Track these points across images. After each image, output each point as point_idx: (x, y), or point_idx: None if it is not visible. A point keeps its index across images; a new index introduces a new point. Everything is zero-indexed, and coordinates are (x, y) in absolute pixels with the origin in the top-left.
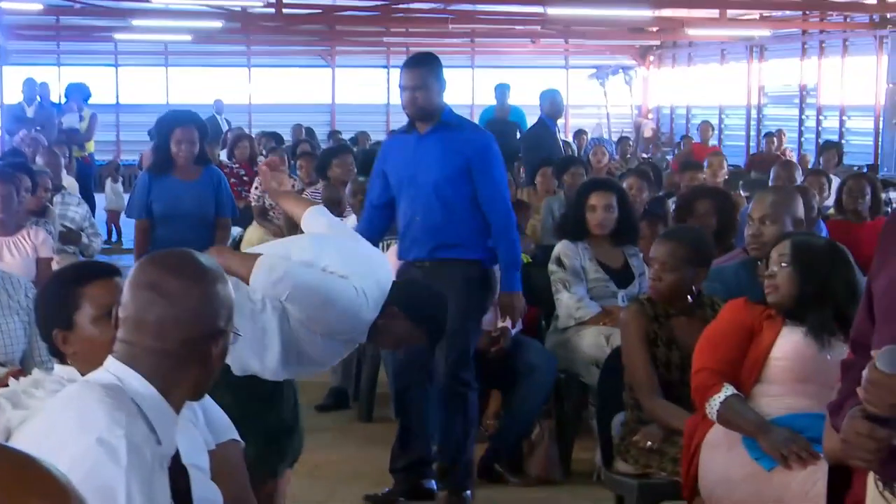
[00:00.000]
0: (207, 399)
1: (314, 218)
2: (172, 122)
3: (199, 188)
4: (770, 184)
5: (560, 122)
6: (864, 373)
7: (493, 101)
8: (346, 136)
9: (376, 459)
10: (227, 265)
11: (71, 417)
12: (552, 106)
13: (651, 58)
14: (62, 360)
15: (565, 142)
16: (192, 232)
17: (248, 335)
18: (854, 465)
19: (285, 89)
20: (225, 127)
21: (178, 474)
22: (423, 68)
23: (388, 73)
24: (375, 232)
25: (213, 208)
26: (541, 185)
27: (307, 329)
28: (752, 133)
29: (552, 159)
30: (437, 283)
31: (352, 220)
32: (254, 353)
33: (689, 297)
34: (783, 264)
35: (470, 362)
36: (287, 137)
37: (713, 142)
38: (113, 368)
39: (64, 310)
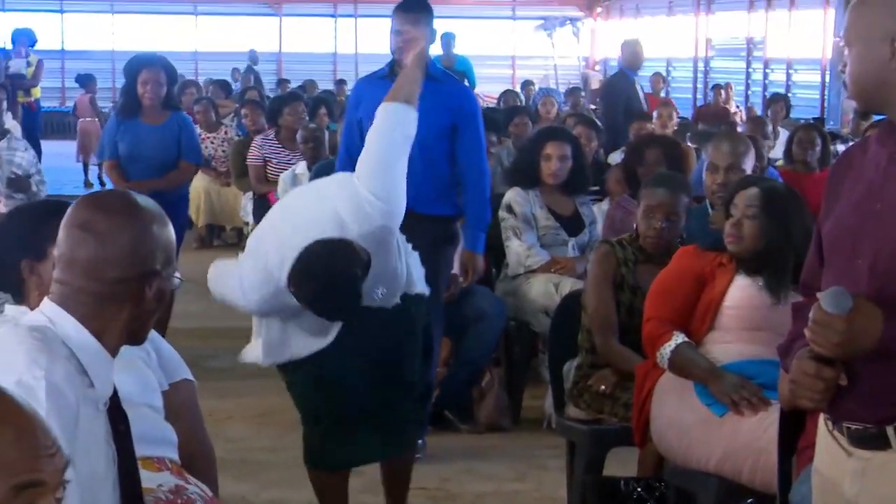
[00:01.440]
0: (159, 339)
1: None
2: (139, 64)
3: (164, 132)
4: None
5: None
6: (810, 314)
7: (438, 52)
8: (293, 84)
9: None
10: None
11: None
12: (633, 56)
13: (598, 9)
14: (18, 299)
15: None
16: (155, 174)
17: None
18: (803, 406)
19: (232, 37)
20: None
21: (117, 416)
22: (418, 13)
23: (336, 22)
24: None
25: (177, 152)
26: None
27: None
28: (700, 86)
29: (632, 110)
30: (409, 238)
31: (301, 166)
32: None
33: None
34: (749, 214)
35: (441, 319)
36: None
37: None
38: (46, 310)
39: (36, 239)
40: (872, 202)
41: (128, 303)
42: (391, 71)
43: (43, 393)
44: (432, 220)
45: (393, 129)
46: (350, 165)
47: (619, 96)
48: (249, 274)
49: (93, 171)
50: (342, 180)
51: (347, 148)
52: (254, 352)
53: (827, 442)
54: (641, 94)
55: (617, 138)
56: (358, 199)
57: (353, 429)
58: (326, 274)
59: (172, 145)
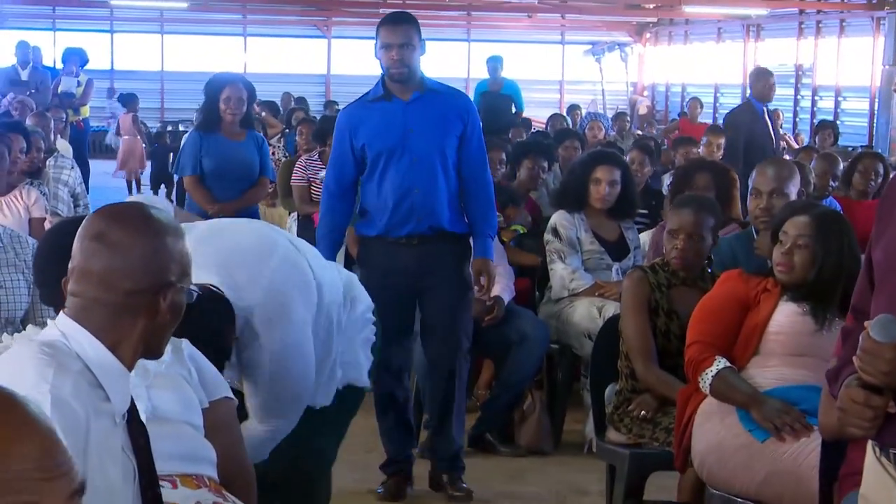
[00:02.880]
0: (201, 358)
1: None
2: (223, 82)
3: (246, 148)
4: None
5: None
6: (860, 342)
7: (486, 76)
8: (341, 106)
9: (365, 425)
10: None
11: (2, 377)
12: (764, 88)
13: (647, 35)
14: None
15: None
16: (238, 189)
17: None
18: (851, 434)
19: (281, 59)
20: None
21: (137, 430)
22: (408, 25)
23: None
24: (344, 220)
25: (258, 168)
26: None
27: None
28: None
29: (755, 143)
30: (427, 260)
31: None
32: None
33: (705, 266)
34: (801, 244)
35: (470, 338)
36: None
37: (708, 119)
38: (61, 324)
39: None
40: None
41: (142, 315)
42: (385, 90)
43: (48, 406)
44: (450, 239)
45: None
46: (340, 198)
47: (742, 127)
48: None
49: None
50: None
51: (337, 180)
52: None
53: (875, 468)
54: (770, 127)
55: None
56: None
57: None
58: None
59: (254, 162)
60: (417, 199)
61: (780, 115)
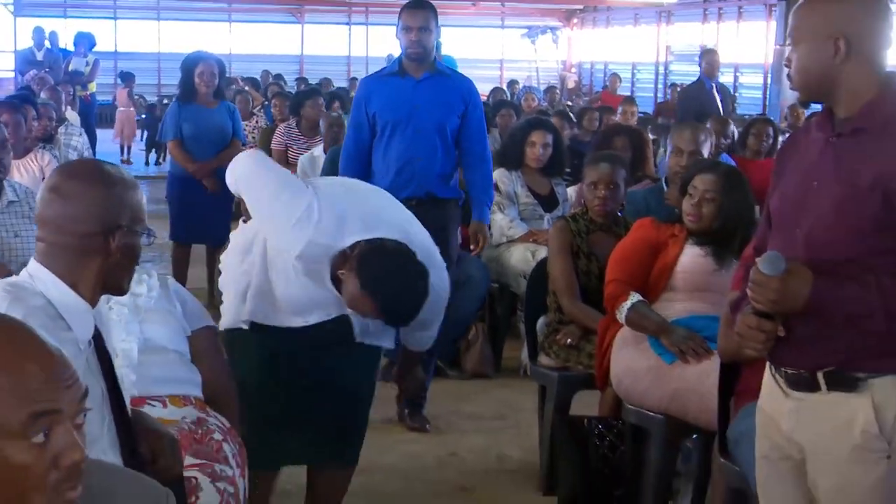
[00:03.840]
0: (184, 292)
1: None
2: (196, 59)
3: (219, 115)
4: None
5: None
6: (750, 274)
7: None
8: (312, 82)
9: None
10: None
11: None
12: (710, 66)
13: (575, 20)
14: None
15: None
16: (214, 150)
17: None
18: (747, 355)
19: (261, 41)
20: None
21: (102, 356)
22: (429, 11)
23: (350, 29)
24: (360, 177)
25: (230, 132)
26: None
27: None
28: (660, 86)
29: (706, 116)
30: (420, 220)
31: (318, 150)
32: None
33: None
34: (709, 197)
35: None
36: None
37: (626, 92)
38: (30, 267)
39: None
40: (810, 179)
41: (97, 255)
42: (400, 67)
43: None
44: (447, 204)
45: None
46: (357, 160)
47: (694, 102)
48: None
49: (136, 151)
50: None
51: (356, 142)
52: (226, 317)
53: (769, 383)
54: (718, 101)
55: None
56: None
57: (279, 429)
58: (408, 277)
59: (227, 126)
60: (418, 167)
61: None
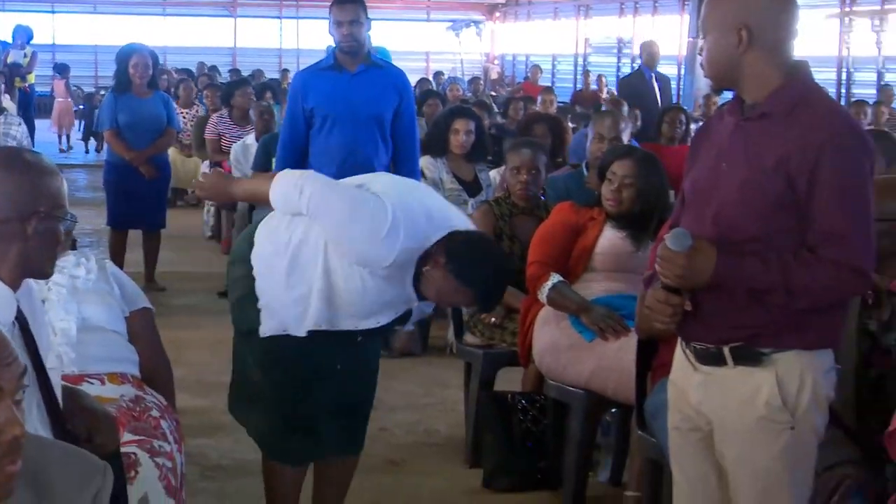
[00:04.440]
0: (121, 275)
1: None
2: (131, 51)
3: (153, 104)
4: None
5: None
6: (658, 250)
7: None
8: (245, 73)
9: None
10: (253, 188)
11: None
12: (650, 57)
13: (497, 14)
14: None
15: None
16: (149, 138)
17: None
18: (656, 329)
19: (194, 35)
20: None
21: (27, 337)
22: (358, 4)
23: (281, 23)
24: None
25: (164, 121)
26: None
27: (339, 255)
28: (580, 77)
29: (646, 106)
30: None
31: (250, 138)
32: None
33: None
34: (627, 183)
35: None
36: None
37: (547, 82)
38: None
39: None
40: (720, 161)
41: (15, 241)
42: (336, 61)
43: None
44: None
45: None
46: (293, 151)
47: (634, 91)
48: (402, 223)
49: (74, 140)
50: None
51: (292, 134)
52: (271, 322)
53: (680, 358)
54: (657, 90)
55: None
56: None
57: (317, 423)
58: (499, 264)
59: (161, 115)
60: (360, 159)
61: (604, 78)
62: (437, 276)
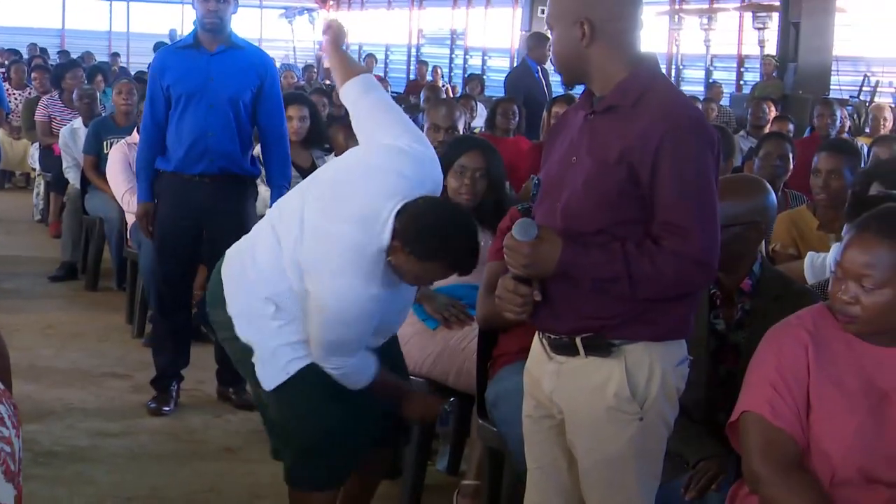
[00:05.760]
0: None
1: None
2: None
3: None
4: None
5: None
6: (504, 240)
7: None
8: (74, 55)
9: (99, 320)
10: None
11: None
12: (539, 51)
13: (331, 2)
14: None
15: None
16: None
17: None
18: (506, 318)
19: (21, 14)
20: None
21: None
22: None
23: (111, 5)
24: (158, 151)
25: None
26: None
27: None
28: (413, 67)
29: (534, 98)
30: (214, 197)
31: (78, 122)
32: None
33: None
34: (479, 175)
35: None
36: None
37: (380, 73)
38: None
39: None
40: (570, 155)
41: None
42: (195, 40)
43: None
44: (241, 180)
45: (367, 94)
46: (154, 133)
47: (521, 85)
48: (344, 270)
49: None
50: (385, 148)
51: (153, 114)
52: (276, 371)
53: (536, 347)
54: (543, 84)
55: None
56: (409, 151)
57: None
58: (457, 223)
59: None
60: (212, 141)
61: (439, 69)
62: (403, 261)
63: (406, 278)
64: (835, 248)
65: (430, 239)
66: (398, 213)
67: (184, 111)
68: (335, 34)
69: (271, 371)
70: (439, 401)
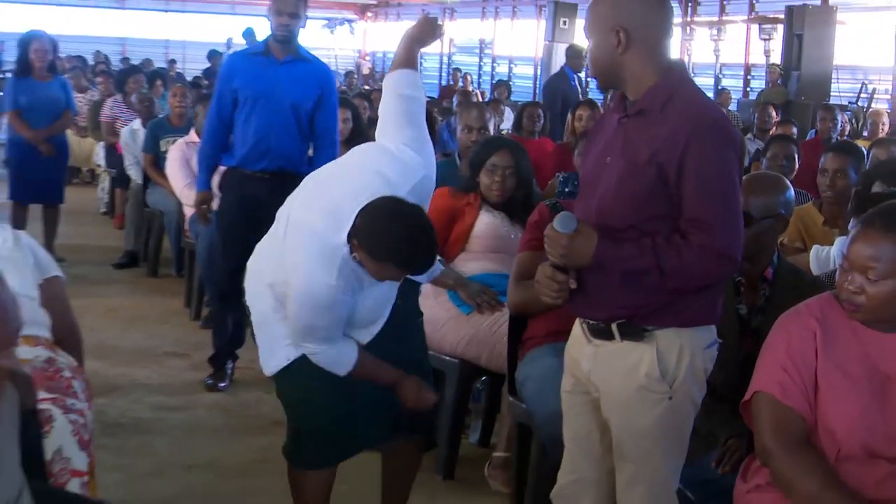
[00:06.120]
0: (35, 245)
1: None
2: (31, 38)
3: (53, 88)
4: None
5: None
6: (545, 230)
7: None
8: (135, 61)
9: (159, 304)
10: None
11: None
12: (576, 60)
13: (369, 14)
14: None
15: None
16: (48, 119)
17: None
18: (544, 302)
19: (86, 24)
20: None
21: None
22: (300, 0)
23: (169, 15)
24: (219, 146)
25: (63, 104)
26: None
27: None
28: (445, 74)
29: (570, 103)
30: (276, 194)
31: (137, 123)
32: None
33: None
34: (509, 173)
35: None
36: (91, 61)
37: None
38: None
39: None
40: (605, 156)
41: None
42: (266, 48)
43: None
44: (296, 179)
45: (399, 90)
46: (219, 130)
47: (558, 91)
48: (312, 268)
49: None
50: (376, 147)
51: (219, 113)
52: (276, 358)
53: (577, 330)
54: (579, 90)
55: (555, 126)
56: (397, 154)
57: (362, 416)
58: (409, 224)
59: (60, 98)
60: (273, 142)
61: (469, 76)
62: (362, 257)
63: (370, 274)
64: (839, 242)
65: (381, 239)
66: (360, 211)
67: (250, 112)
68: (422, 27)
69: (272, 357)
70: (432, 395)
